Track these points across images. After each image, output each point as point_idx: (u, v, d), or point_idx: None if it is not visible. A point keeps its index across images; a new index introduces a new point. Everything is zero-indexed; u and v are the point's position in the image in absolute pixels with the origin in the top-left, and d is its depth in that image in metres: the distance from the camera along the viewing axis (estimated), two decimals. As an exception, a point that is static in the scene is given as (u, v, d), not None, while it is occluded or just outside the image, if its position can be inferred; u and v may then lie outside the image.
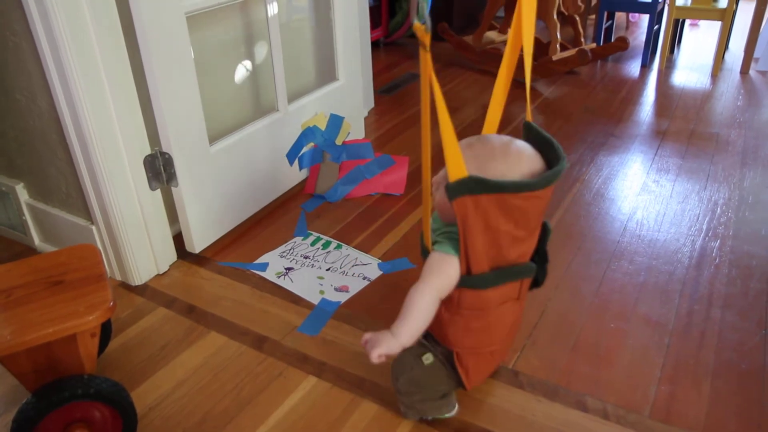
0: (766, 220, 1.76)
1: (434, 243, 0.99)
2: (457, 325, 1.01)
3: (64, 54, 1.25)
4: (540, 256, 1.05)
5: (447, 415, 1.13)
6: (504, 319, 1.04)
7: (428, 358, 1.07)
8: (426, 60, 0.87)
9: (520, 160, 0.96)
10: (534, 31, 1.00)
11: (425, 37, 0.83)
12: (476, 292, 0.97)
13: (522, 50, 1.02)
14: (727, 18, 3.02)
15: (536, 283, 1.09)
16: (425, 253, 1.02)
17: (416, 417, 1.13)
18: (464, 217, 0.90)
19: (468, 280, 0.96)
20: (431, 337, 1.08)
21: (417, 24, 0.83)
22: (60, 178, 1.51)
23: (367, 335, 0.98)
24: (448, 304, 0.99)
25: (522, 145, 0.99)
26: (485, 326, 1.02)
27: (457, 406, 1.14)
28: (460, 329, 1.02)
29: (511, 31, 1.03)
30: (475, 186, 0.88)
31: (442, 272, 0.96)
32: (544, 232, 1.05)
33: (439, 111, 0.88)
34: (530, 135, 1.02)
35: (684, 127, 2.44)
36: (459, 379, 1.08)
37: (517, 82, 1.09)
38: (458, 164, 0.88)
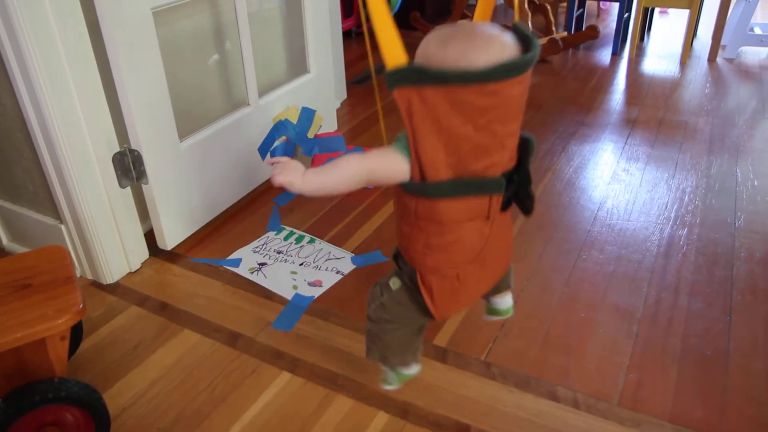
0: (731, 208, 1.80)
1: (395, 142, 0.89)
2: (417, 241, 0.92)
3: (26, 51, 1.22)
4: (521, 176, 0.91)
5: (406, 372, 1.10)
6: (470, 239, 0.92)
7: (395, 283, 1.01)
8: None
9: (489, 42, 0.79)
10: None
11: None
12: (431, 203, 0.86)
13: None
14: (694, 6, 3.06)
15: (524, 209, 0.94)
16: None
17: (376, 358, 1.10)
18: (408, 111, 0.80)
19: (420, 187, 0.86)
20: (401, 257, 1.00)
21: None
22: (27, 177, 1.49)
23: (284, 159, 0.92)
24: (407, 215, 0.91)
25: (498, 31, 0.82)
26: (446, 244, 0.91)
27: (419, 366, 1.11)
28: (420, 245, 0.92)
29: None
30: (413, 75, 0.77)
31: (384, 161, 0.87)
32: (526, 148, 0.90)
33: None
34: (515, 34, 0.84)
35: (653, 116, 2.47)
36: (425, 304, 0.97)
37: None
38: (395, 49, 0.78)
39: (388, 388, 1.13)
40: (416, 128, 0.81)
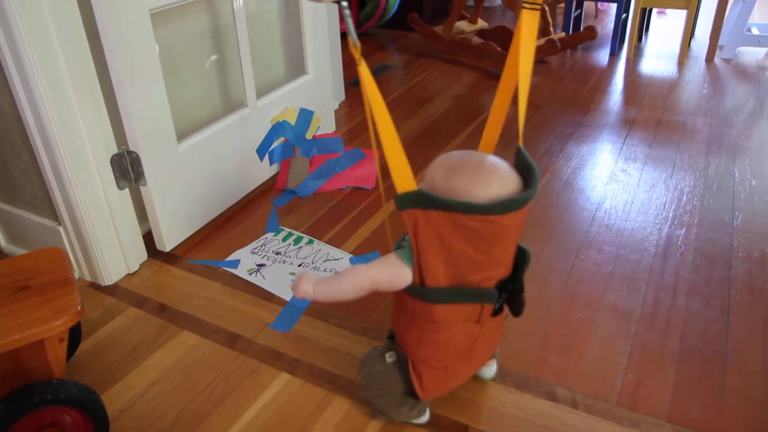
0: (728, 208, 1.80)
1: (398, 248, 0.98)
2: (411, 333, 1.00)
3: (24, 52, 1.22)
4: (515, 284, 0.99)
5: (415, 422, 1.13)
6: (458, 339, 1.00)
7: (391, 356, 1.07)
8: (363, 72, 0.86)
9: (490, 178, 0.89)
10: (533, 57, 0.95)
11: (356, 52, 0.86)
12: (428, 305, 0.95)
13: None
14: (692, 6, 3.06)
15: (514, 312, 1.02)
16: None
17: (383, 418, 1.14)
18: (414, 229, 0.88)
19: (420, 291, 0.94)
20: (395, 341, 1.08)
21: (350, 40, 0.86)
22: (25, 179, 1.49)
23: (305, 273, 1.03)
24: (404, 309, 0.99)
25: (501, 166, 0.92)
26: (437, 341, 0.99)
27: (428, 414, 1.14)
28: (414, 337, 1.00)
29: (510, 52, 0.98)
30: (421, 200, 0.86)
31: (388, 272, 0.95)
32: (523, 260, 0.99)
33: (379, 122, 0.86)
34: (518, 161, 0.95)
35: (651, 116, 2.47)
36: (413, 388, 1.06)
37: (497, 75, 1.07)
38: (405, 176, 0.86)
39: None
40: (420, 243, 0.89)
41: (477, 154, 0.95)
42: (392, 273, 0.95)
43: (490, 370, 1.23)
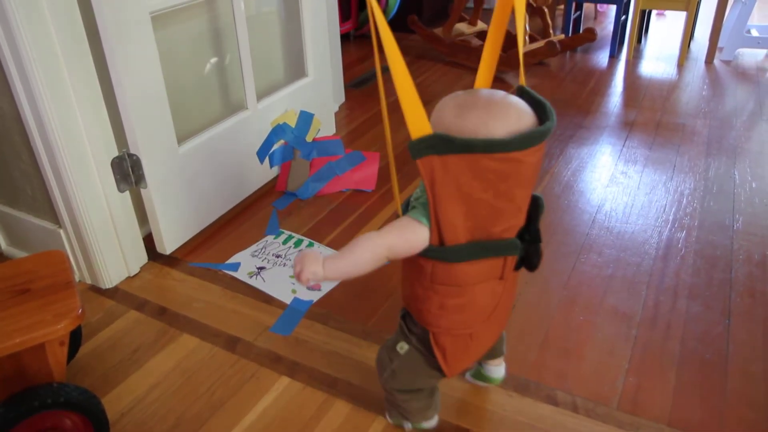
0: (729, 210, 1.80)
1: (411, 209, 0.90)
2: (431, 302, 0.92)
3: (25, 55, 1.22)
4: (531, 234, 0.92)
5: (425, 425, 1.12)
6: (483, 299, 0.94)
7: (402, 347, 1.01)
8: (372, 3, 0.79)
9: (507, 111, 0.82)
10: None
11: None
12: (449, 266, 0.87)
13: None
14: (691, 8, 3.06)
15: (531, 265, 0.94)
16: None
17: (399, 420, 1.12)
18: (431, 179, 0.80)
19: (440, 251, 0.86)
20: (409, 318, 1.01)
21: None
22: (25, 181, 1.48)
23: (301, 253, 0.90)
24: (421, 278, 0.91)
25: (514, 99, 0.85)
26: (461, 305, 0.92)
27: (436, 418, 1.13)
28: (435, 306, 0.93)
29: (493, 19, 0.95)
30: (439, 144, 0.78)
31: (403, 234, 0.87)
32: (536, 207, 0.91)
33: (391, 58, 0.77)
34: (524, 99, 0.88)
35: (651, 118, 2.47)
36: (438, 364, 0.99)
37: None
38: (419, 119, 0.78)
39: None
40: (438, 195, 0.81)
41: (484, 90, 0.88)
42: (408, 235, 0.86)
43: (500, 370, 1.19)
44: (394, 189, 0.92)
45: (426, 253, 0.87)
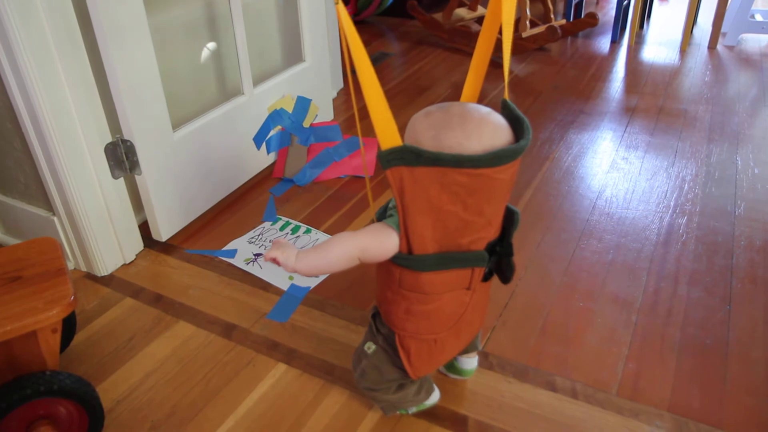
0: (730, 196, 1.78)
1: (380, 217, 0.92)
2: (399, 306, 0.94)
3: (14, 38, 1.20)
4: (504, 248, 0.93)
5: (427, 404, 1.12)
6: (449, 308, 0.95)
7: (370, 347, 1.03)
8: (340, 12, 0.78)
9: (480, 128, 0.82)
10: (515, 6, 0.88)
11: None
12: (416, 274, 0.89)
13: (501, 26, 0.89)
14: (694, -8, 3.03)
15: (504, 278, 0.97)
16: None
17: (393, 411, 1.12)
18: (400, 189, 0.81)
19: (407, 259, 0.87)
20: (378, 318, 1.03)
21: None
22: (18, 169, 1.47)
23: (281, 241, 0.94)
24: (390, 282, 0.93)
25: (488, 115, 0.85)
26: (427, 312, 0.94)
27: (437, 391, 1.12)
28: (401, 311, 0.94)
29: (489, 6, 0.93)
30: (408, 156, 0.78)
31: (377, 237, 0.88)
32: (511, 222, 0.92)
33: (359, 67, 0.77)
34: (504, 114, 0.88)
35: (653, 104, 2.45)
36: (402, 365, 1.00)
37: (491, 61, 1.03)
38: (389, 131, 0.79)
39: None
40: (406, 205, 0.82)
41: (457, 105, 0.87)
42: (382, 238, 0.87)
43: (471, 362, 1.19)
44: (369, 196, 0.93)
45: (395, 260, 0.89)
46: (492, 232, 0.90)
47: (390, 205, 0.94)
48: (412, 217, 0.83)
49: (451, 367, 1.20)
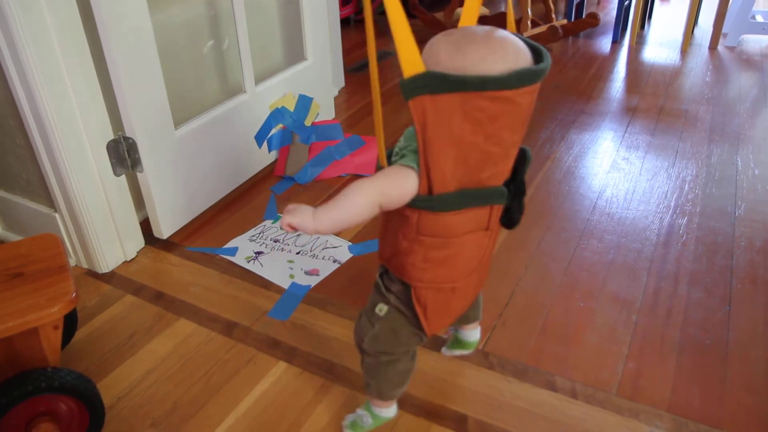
0: (731, 196, 1.78)
1: (400, 158, 0.87)
2: (416, 255, 0.89)
3: (18, 36, 1.20)
4: (516, 186, 0.90)
5: (385, 415, 1.08)
6: (469, 251, 0.91)
7: (381, 309, 0.98)
8: None
9: (505, 46, 0.79)
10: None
11: None
12: (436, 216, 0.85)
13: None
14: (696, -7, 3.03)
15: (511, 220, 0.93)
16: None
17: (374, 394, 1.07)
18: (423, 122, 0.77)
19: (427, 200, 0.83)
20: (387, 276, 0.98)
21: None
22: (20, 165, 1.47)
23: (291, 206, 0.88)
24: (406, 229, 0.88)
25: (511, 36, 0.81)
26: (446, 257, 0.90)
27: (395, 407, 1.09)
28: (419, 259, 0.89)
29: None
30: (433, 82, 0.74)
31: (395, 179, 0.83)
32: (523, 159, 0.89)
33: None
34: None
35: (654, 104, 2.45)
36: (418, 322, 0.96)
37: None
38: (412, 56, 0.75)
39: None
40: (429, 139, 0.79)
41: (480, 27, 0.83)
42: (401, 179, 0.83)
43: (475, 333, 1.18)
44: (379, 140, 0.89)
45: (413, 203, 0.85)
46: (508, 166, 0.88)
47: (396, 149, 0.90)
48: (434, 152, 0.79)
49: (456, 342, 1.20)
